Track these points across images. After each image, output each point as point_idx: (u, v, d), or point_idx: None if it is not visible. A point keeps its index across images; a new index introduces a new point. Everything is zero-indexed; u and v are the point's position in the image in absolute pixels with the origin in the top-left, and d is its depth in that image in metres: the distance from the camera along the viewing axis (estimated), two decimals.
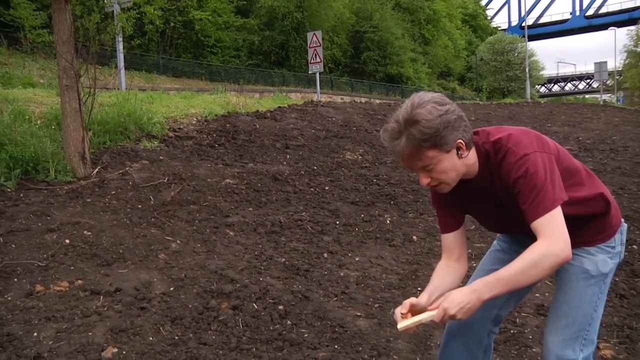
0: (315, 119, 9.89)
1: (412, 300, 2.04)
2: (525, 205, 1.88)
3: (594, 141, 9.39)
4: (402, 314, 2.01)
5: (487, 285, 1.88)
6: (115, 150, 6.62)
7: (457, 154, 1.95)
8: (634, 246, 4.78)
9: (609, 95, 45.50)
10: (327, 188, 6.21)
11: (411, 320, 1.97)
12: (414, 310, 2.03)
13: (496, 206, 2.11)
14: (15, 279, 3.81)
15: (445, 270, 2.21)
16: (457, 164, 1.97)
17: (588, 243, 2.10)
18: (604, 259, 2.10)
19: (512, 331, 3.54)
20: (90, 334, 3.28)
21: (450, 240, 2.25)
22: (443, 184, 2.02)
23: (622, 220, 2.17)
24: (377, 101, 19.11)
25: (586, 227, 2.08)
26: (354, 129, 9.66)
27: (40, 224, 4.63)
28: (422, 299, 2.05)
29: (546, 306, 3.81)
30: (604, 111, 15.43)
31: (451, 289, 2.01)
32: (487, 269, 2.34)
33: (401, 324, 1.98)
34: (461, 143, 1.94)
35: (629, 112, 16.68)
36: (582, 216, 2.05)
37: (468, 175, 2.05)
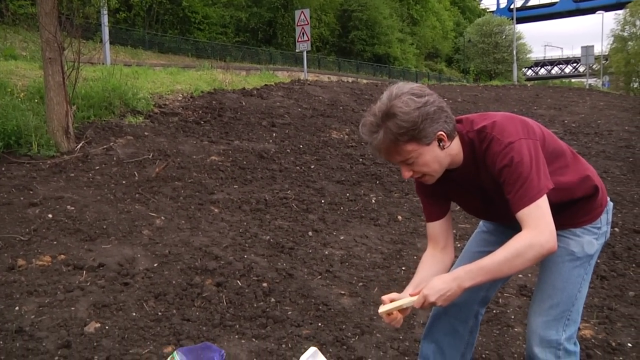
0: (302, 98, 9.84)
1: (392, 295, 2.04)
2: (510, 195, 1.86)
3: (579, 125, 9.44)
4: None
5: (468, 273, 1.87)
6: (99, 125, 6.53)
7: (439, 145, 1.91)
8: (616, 229, 4.84)
9: (595, 79, 45.72)
10: (312, 167, 6.19)
11: (392, 305, 1.98)
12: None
13: (481, 195, 2.10)
14: None
15: (431, 261, 2.20)
16: (440, 155, 1.93)
17: (574, 224, 2.09)
18: (589, 241, 2.10)
19: (494, 311, 3.58)
20: (72, 308, 3.26)
21: (436, 229, 2.23)
22: (427, 176, 1.99)
23: (608, 199, 2.17)
24: (364, 81, 19.04)
25: (572, 209, 2.07)
26: (341, 108, 9.62)
27: (22, 198, 4.57)
28: (407, 292, 2.04)
29: (529, 287, 3.85)
30: (589, 95, 15.51)
31: None
32: (473, 251, 2.34)
33: (382, 308, 1.99)
34: (442, 135, 1.89)
35: (614, 96, 16.79)
36: (568, 201, 2.05)
37: (453, 165, 2.02)
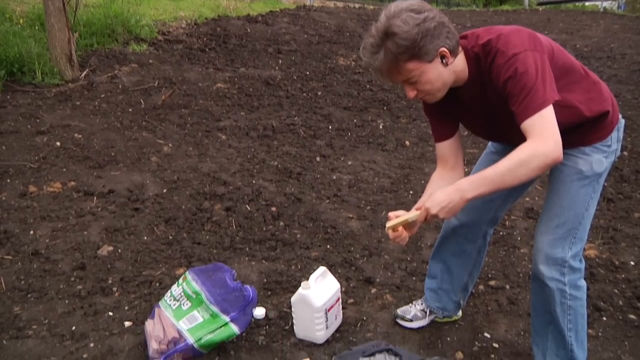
0: (308, 24, 9.62)
1: (399, 212, 2.04)
2: (514, 107, 1.81)
3: (592, 49, 9.22)
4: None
5: (471, 184, 1.84)
6: (103, 53, 6.44)
7: (442, 62, 1.86)
8: (625, 152, 4.81)
9: (610, 1, 44.15)
10: (319, 93, 6.12)
11: (397, 220, 1.99)
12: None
13: (488, 114, 2.06)
14: (8, 180, 3.81)
15: (440, 180, 2.18)
16: (443, 72, 1.89)
17: (584, 143, 2.05)
18: (599, 159, 2.06)
19: (501, 233, 3.62)
20: (85, 232, 3.33)
21: (445, 149, 2.22)
22: (431, 94, 1.95)
23: (620, 116, 2.13)
24: (371, 7, 18.56)
25: (582, 127, 2.03)
26: (347, 34, 9.42)
27: (29, 126, 4.58)
28: (414, 211, 2.05)
29: (535, 210, 3.87)
30: (603, 18, 15.05)
31: None
32: None
33: (388, 224, 2.00)
34: (445, 51, 1.84)
35: (629, 19, 16.27)
36: (577, 121, 2.01)
37: (458, 83, 1.98)
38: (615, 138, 2.09)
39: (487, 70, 1.91)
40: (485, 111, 2.06)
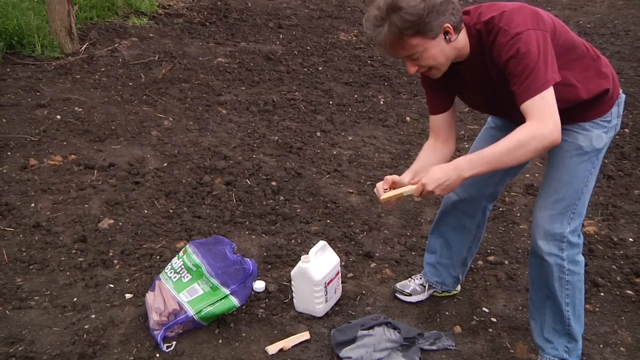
0: None
1: (394, 177, 2.04)
2: (515, 87, 1.81)
3: (595, 25, 9.12)
4: (384, 189, 2.03)
5: (469, 162, 1.85)
6: (103, 26, 6.40)
7: (445, 38, 1.86)
8: (626, 130, 4.79)
9: None
10: (320, 68, 6.09)
11: (393, 193, 2.00)
12: (395, 187, 2.04)
13: (487, 89, 2.05)
14: (9, 153, 3.82)
15: (431, 151, 2.20)
16: (446, 49, 1.88)
17: (583, 118, 2.06)
18: (598, 135, 2.06)
19: (501, 209, 3.63)
20: (86, 205, 3.34)
21: (439, 121, 2.22)
22: (433, 70, 1.95)
23: (621, 91, 2.13)
24: None
25: (583, 104, 2.03)
26: (349, 9, 9.32)
27: (29, 100, 4.58)
28: (406, 177, 2.04)
29: (535, 186, 3.87)
30: None
31: None
32: (481, 147, 2.32)
33: (383, 196, 2.01)
34: (449, 27, 1.83)
35: None
36: (576, 100, 2.00)
37: (459, 58, 1.97)
38: (616, 113, 2.09)
39: (488, 48, 1.90)
40: (485, 87, 2.06)
